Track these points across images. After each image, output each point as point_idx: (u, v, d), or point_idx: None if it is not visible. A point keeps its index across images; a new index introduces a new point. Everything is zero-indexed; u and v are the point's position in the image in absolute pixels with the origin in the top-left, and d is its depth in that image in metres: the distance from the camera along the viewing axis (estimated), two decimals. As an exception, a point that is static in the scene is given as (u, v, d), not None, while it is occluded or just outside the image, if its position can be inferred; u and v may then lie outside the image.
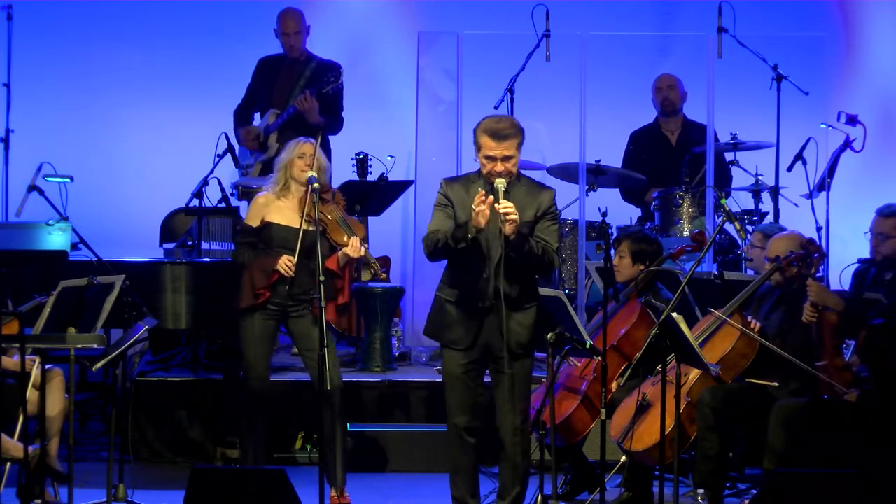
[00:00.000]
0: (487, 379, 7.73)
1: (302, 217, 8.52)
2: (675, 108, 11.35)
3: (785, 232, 8.66)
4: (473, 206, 7.33)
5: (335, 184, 10.47)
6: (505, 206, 7.31)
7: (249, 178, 10.76)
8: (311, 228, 8.46)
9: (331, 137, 10.75)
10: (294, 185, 8.58)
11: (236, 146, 10.73)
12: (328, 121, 10.66)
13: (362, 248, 8.53)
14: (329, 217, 8.55)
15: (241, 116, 10.95)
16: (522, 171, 7.69)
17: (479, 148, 7.50)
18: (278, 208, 8.58)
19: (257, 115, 10.96)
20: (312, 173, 8.36)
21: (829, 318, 8.09)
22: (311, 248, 8.39)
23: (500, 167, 7.44)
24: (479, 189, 7.42)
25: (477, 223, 7.32)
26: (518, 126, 7.52)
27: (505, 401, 7.54)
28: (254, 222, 8.59)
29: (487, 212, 7.32)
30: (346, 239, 8.51)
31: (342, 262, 8.53)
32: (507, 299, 7.44)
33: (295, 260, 8.48)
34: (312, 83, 10.68)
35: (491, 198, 7.33)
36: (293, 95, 10.72)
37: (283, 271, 8.46)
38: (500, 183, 7.38)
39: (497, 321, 7.45)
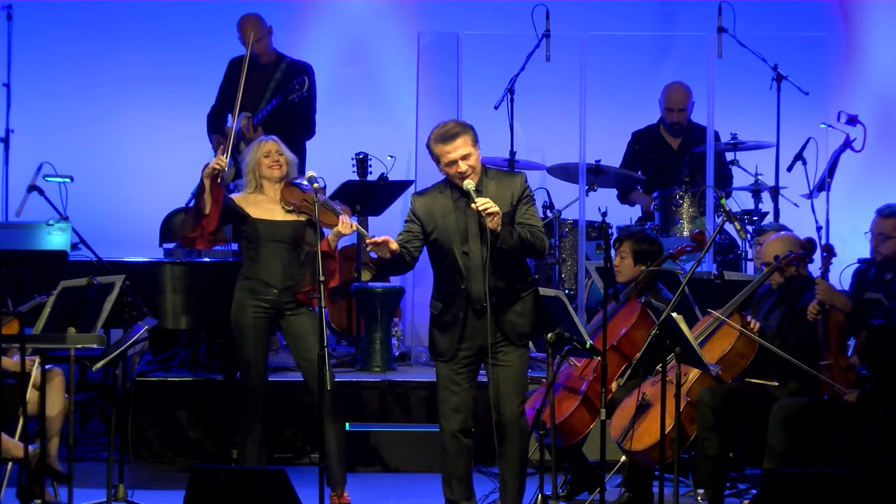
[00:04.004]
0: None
1: (284, 209, 8.55)
2: (683, 129, 11.36)
3: (781, 233, 8.67)
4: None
5: (335, 184, 10.51)
6: (482, 202, 7.37)
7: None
8: (298, 218, 8.51)
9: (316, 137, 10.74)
10: (266, 183, 8.63)
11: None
12: (298, 129, 10.59)
13: (353, 223, 8.52)
14: (311, 203, 8.52)
15: (216, 121, 10.80)
16: (491, 165, 7.80)
17: (437, 160, 7.57)
18: (254, 203, 8.60)
19: (228, 117, 10.87)
20: (313, 173, 8.29)
21: (836, 317, 8.09)
22: (297, 239, 8.47)
23: (463, 167, 7.48)
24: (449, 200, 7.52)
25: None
26: (463, 123, 7.59)
27: (504, 392, 7.55)
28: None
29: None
30: (335, 219, 8.49)
31: (334, 241, 8.52)
32: (501, 294, 7.48)
33: (226, 157, 8.67)
34: (283, 84, 10.59)
35: (480, 201, 7.35)
36: (264, 98, 10.63)
37: (214, 166, 8.56)
38: (469, 184, 7.45)
39: (489, 321, 7.47)
